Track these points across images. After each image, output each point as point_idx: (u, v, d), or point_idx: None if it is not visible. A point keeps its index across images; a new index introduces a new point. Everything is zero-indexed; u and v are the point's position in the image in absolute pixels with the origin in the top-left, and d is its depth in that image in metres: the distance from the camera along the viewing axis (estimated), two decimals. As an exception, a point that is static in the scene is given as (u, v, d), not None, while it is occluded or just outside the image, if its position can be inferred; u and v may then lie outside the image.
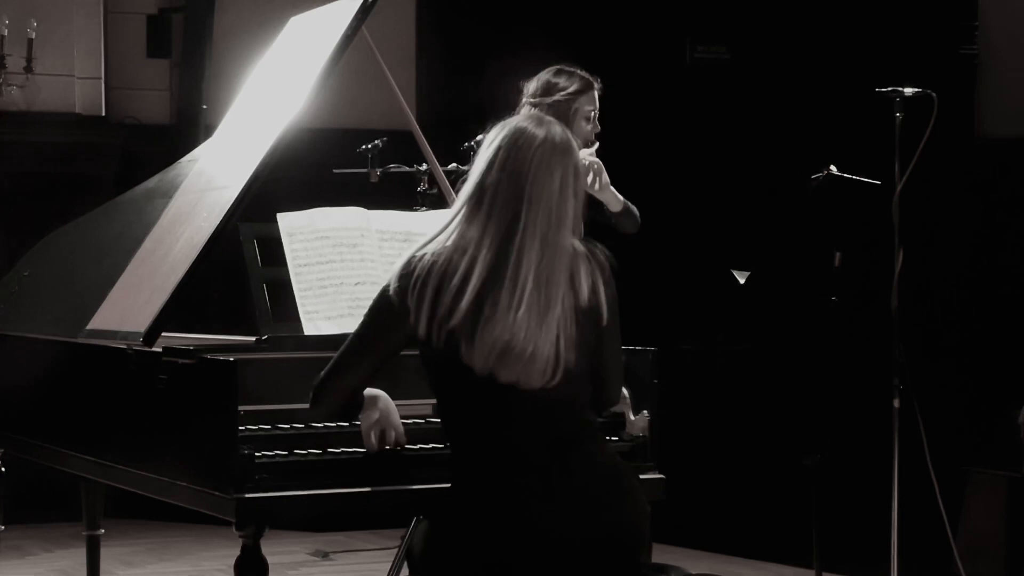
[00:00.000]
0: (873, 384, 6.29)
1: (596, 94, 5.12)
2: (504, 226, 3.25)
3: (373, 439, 3.48)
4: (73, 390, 4.27)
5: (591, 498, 3.26)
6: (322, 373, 3.41)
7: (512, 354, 3.21)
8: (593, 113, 5.10)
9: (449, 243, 3.29)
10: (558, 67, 5.13)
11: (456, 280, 3.24)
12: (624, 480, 3.35)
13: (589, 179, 4.94)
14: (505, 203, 3.26)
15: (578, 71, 5.12)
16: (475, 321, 3.22)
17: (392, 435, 3.49)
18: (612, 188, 5.06)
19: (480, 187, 3.30)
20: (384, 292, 3.33)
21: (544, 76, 5.12)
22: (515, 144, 3.30)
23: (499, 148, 3.30)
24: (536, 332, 3.21)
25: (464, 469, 3.31)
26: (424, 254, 3.30)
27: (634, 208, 5.15)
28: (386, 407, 3.48)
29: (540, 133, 3.31)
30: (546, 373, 3.23)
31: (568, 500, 3.24)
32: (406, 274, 3.29)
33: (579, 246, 3.33)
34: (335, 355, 3.40)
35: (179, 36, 8.56)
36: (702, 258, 8.44)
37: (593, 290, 3.30)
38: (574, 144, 3.36)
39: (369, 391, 3.47)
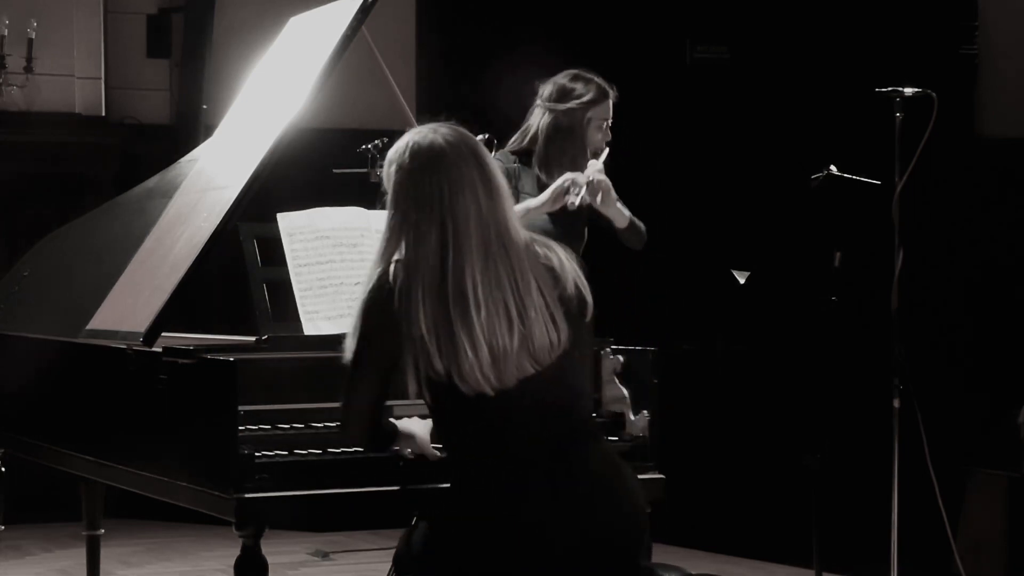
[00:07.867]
0: (873, 384, 6.29)
1: (611, 103, 4.94)
2: (432, 252, 3.18)
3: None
4: (73, 390, 4.26)
5: (589, 499, 3.25)
6: (341, 399, 3.36)
7: (503, 356, 3.18)
8: (606, 123, 4.94)
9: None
10: (575, 72, 4.96)
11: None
12: (623, 480, 3.34)
13: (598, 199, 4.82)
14: (427, 231, 3.20)
15: (595, 78, 4.94)
16: (454, 347, 3.16)
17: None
18: (619, 205, 4.91)
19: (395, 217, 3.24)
20: (369, 307, 3.26)
21: (560, 80, 4.96)
22: (417, 166, 3.23)
23: (400, 171, 3.25)
24: (510, 329, 3.18)
25: (463, 471, 3.30)
26: (390, 269, 3.24)
27: (640, 224, 4.99)
28: (422, 442, 3.49)
29: (438, 142, 3.24)
30: (552, 348, 3.22)
31: (566, 501, 3.23)
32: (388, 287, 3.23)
33: (548, 239, 3.33)
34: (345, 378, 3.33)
35: (179, 36, 8.57)
36: (702, 258, 8.43)
37: (578, 281, 3.30)
38: (474, 141, 3.29)
39: (405, 425, 3.47)
